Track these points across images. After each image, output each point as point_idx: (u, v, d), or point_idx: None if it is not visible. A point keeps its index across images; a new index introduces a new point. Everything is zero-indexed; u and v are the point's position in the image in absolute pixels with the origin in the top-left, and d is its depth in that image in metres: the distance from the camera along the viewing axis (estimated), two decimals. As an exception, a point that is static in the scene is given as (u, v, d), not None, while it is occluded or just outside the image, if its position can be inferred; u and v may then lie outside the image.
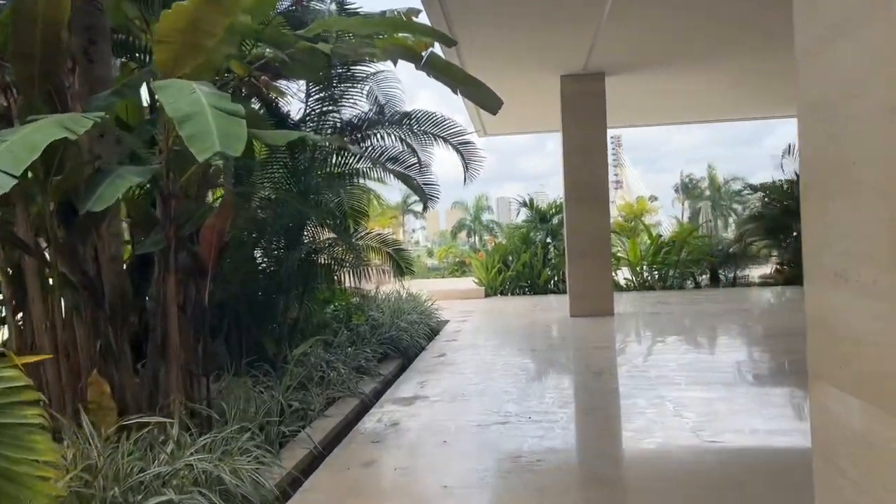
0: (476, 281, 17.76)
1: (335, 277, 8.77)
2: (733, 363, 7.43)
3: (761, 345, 8.52)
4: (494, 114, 4.94)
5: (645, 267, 17.41)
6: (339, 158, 7.65)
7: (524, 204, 18.70)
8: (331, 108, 7.15)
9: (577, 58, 10.87)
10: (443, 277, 31.78)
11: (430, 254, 51.06)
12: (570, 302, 11.86)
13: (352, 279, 8.90)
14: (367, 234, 8.83)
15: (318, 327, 8.44)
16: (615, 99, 12.25)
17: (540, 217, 18.25)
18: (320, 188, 7.48)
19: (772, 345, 8.38)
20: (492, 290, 17.06)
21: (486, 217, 48.36)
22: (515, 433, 5.05)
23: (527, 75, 11.95)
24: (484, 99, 4.88)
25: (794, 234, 16.88)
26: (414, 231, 69.94)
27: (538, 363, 7.93)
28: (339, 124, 7.45)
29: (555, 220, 17.89)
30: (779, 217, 16.82)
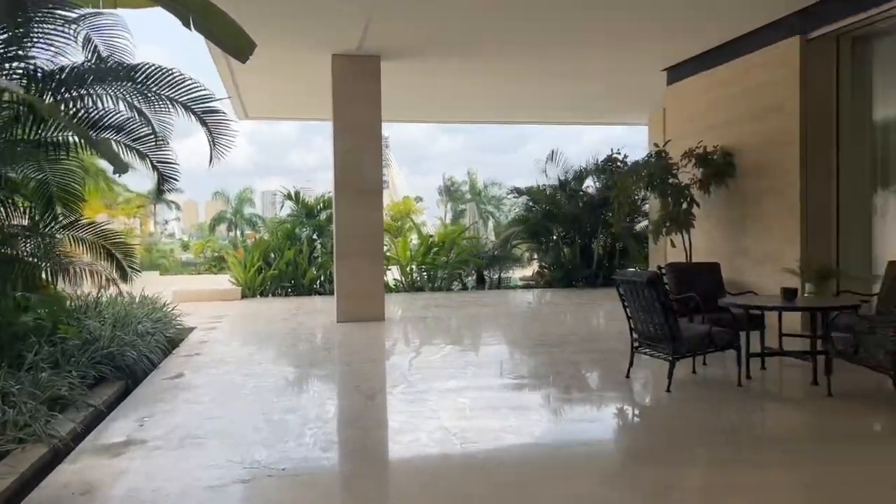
0: (233, 280, 15.91)
1: (38, 277, 6.77)
2: (522, 377, 6.79)
3: (537, 352, 8.05)
4: (243, 60, 3.67)
5: (414, 267, 16.82)
6: (37, 124, 5.73)
7: (289, 196, 17.18)
8: (16, 50, 5.25)
9: (351, 35, 9.75)
10: (199, 274, 28.99)
11: (186, 247, 47.01)
12: (337, 305, 10.70)
13: (64, 279, 6.95)
14: (77, 223, 6.88)
15: (11, 341, 6.42)
16: (388, 89, 11.33)
17: (306, 212, 16.87)
18: (6, 158, 5.53)
19: (545, 351, 7.93)
20: (250, 291, 15.35)
21: (248, 210, 45.55)
22: (263, 497, 3.78)
23: (295, 51, 10.58)
24: (227, 36, 3.57)
25: (554, 237, 17.33)
26: (167, 222, 64.35)
27: (299, 384, 6.66)
28: (34, 72, 5.54)
29: (323, 216, 16.63)
30: (541, 221, 17.14)
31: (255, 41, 4.05)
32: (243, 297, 15.09)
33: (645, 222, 16.99)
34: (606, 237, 17.09)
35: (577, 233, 17.00)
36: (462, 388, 6.10)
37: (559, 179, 17.14)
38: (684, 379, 6.09)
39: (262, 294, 15.47)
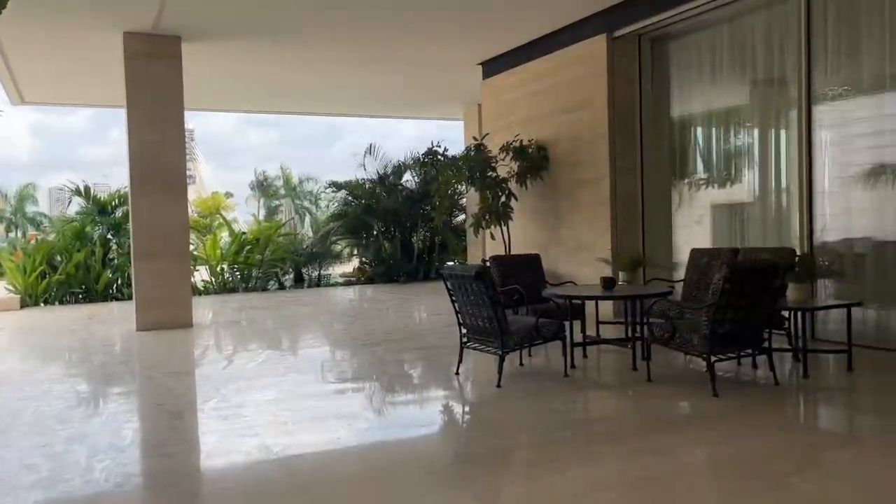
0: (10, 288, 13.92)
1: None
2: (347, 380, 6.36)
3: (362, 352, 7.67)
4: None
5: (225, 267, 15.76)
6: None
7: (77, 192, 15.36)
8: None
9: (146, 11, 8.74)
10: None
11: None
12: (137, 311, 9.61)
13: None
14: None
15: None
16: (192, 74, 10.38)
17: (99, 209, 15.19)
18: None
19: (370, 350, 7.59)
20: (32, 299, 13.51)
21: (32, 209, 40.77)
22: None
23: (79, 25, 9.32)
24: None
25: (375, 232, 17.04)
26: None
27: (89, 406, 5.77)
28: None
29: (118, 213, 15.05)
30: (361, 216, 16.78)
31: (27, 11, 3.26)
32: (23, 306, 13.24)
33: (463, 216, 17.23)
34: (426, 231, 17.10)
35: (398, 227, 16.84)
36: (283, 398, 5.58)
37: (378, 174, 16.87)
38: (512, 372, 6.01)
39: (46, 302, 13.69)
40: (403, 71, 12.60)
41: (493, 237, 10.42)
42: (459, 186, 10.86)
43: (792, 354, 6.00)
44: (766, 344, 5.34)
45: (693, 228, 9.16)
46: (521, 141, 10.16)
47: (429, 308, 11.56)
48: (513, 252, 10.46)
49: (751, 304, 5.12)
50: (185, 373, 7.02)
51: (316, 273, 17.43)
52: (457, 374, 6.09)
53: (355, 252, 18.15)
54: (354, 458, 4.15)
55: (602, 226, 9.33)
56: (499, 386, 5.55)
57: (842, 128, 7.16)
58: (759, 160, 8.16)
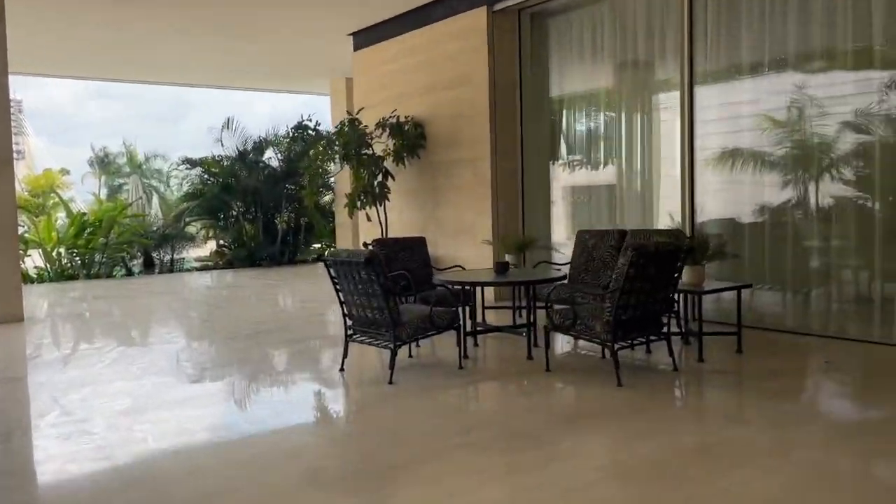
0: None
1: None
2: (215, 382, 5.61)
3: (231, 347, 6.91)
4: None
5: (63, 251, 14.10)
6: None
7: None
8: None
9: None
10: None
11: None
12: (-48, 307, 8.21)
13: None
14: None
15: None
16: (18, 32, 8.97)
17: None
18: None
19: (240, 345, 6.85)
20: None
21: None
22: None
23: None
24: None
25: (235, 213, 15.94)
26: None
27: None
28: None
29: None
30: (219, 195, 15.61)
31: None
32: None
33: (331, 196, 16.48)
34: (291, 212, 16.21)
35: (260, 208, 15.82)
36: (140, 408, 4.78)
37: (238, 150, 15.72)
38: (403, 366, 5.53)
39: None
40: (264, 39, 11.66)
41: (368, 219, 9.86)
42: (331, 164, 10.17)
43: (682, 338, 5.96)
44: (665, 329, 5.21)
45: (570, 210, 9.08)
46: (398, 117, 9.63)
47: (299, 295, 10.83)
48: (390, 235, 9.95)
49: (653, 289, 4.94)
50: (13, 379, 5.95)
51: (168, 257, 16.06)
52: (342, 370, 5.53)
53: (212, 234, 16.92)
54: (227, 479, 3.51)
55: (482, 207, 9.03)
56: (391, 382, 5.07)
57: (720, 109, 7.24)
58: (639, 142, 8.13)
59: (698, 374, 5.26)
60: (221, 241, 16.53)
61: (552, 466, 3.50)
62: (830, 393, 4.94)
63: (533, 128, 9.08)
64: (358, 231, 14.86)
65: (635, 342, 5.19)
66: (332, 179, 10.22)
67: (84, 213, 14.62)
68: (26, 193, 18.68)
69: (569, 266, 7.09)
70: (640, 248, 4.70)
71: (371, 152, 9.43)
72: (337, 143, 9.36)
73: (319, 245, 17.27)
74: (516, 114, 9.05)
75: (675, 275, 5.07)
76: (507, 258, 7.20)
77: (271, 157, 16.17)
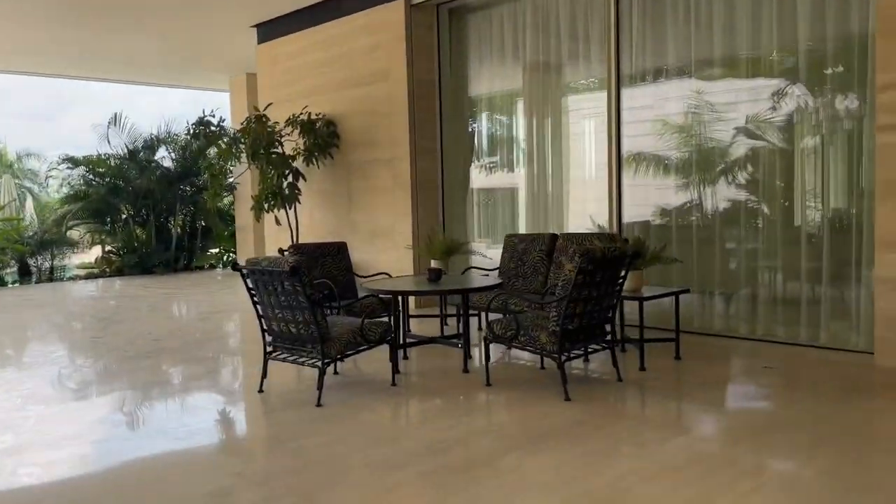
0: None
1: None
2: (115, 413, 4.91)
3: (129, 368, 6.17)
4: None
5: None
6: None
7: None
8: None
9: None
10: None
11: None
12: None
13: None
14: None
15: None
16: None
17: None
18: None
19: (140, 365, 6.13)
20: None
21: None
22: None
23: None
24: None
25: (125, 216, 14.76)
26: None
27: None
28: None
29: None
30: (106, 197, 14.39)
31: None
32: None
33: (229, 198, 15.57)
34: (186, 215, 15.18)
35: (152, 211, 14.70)
36: (25, 446, 4.06)
37: (128, 148, 14.55)
38: (329, 384, 5.02)
39: None
40: (155, 28, 10.76)
41: (278, 222, 9.22)
42: (236, 163, 9.45)
43: (619, 345, 5.77)
44: (608, 337, 4.98)
45: (490, 212, 8.82)
46: (310, 114, 9.06)
47: (199, 305, 10.02)
48: (301, 239, 9.35)
49: (599, 296, 4.70)
50: None
51: (47, 265, 14.65)
52: (261, 391, 4.98)
53: (98, 239, 15.61)
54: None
55: (401, 209, 8.61)
56: (319, 405, 4.57)
57: (643, 111, 7.16)
58: (558, 144, 7.96)
59: (643, 385, 5.06)
60: (109, 247, 15.26)
61: (517, 500, 3.14)
62: (786, 399, 4.85)
63: (452, 128, 8.76)
64: (263, 235, 14.09)
65: (579, 352, 4.92)
66: (234, 180, 9.48)
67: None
68: None
69: (497, 272, 6.80)
70: (588, 254, 4.43)
71: (281, 151, 8.82)
72: (243, 141, 8.68)
73: (217, 250, 16.30)
74: (435, 112, 8.69)
75: (620, 281, 4.85)
76: (433, 264, 6.82)
77: (164, 156, 15.09)
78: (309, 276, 4.58)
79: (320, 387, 4.61)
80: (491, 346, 4.99)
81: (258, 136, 8.51)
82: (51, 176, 14.75)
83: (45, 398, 5.15)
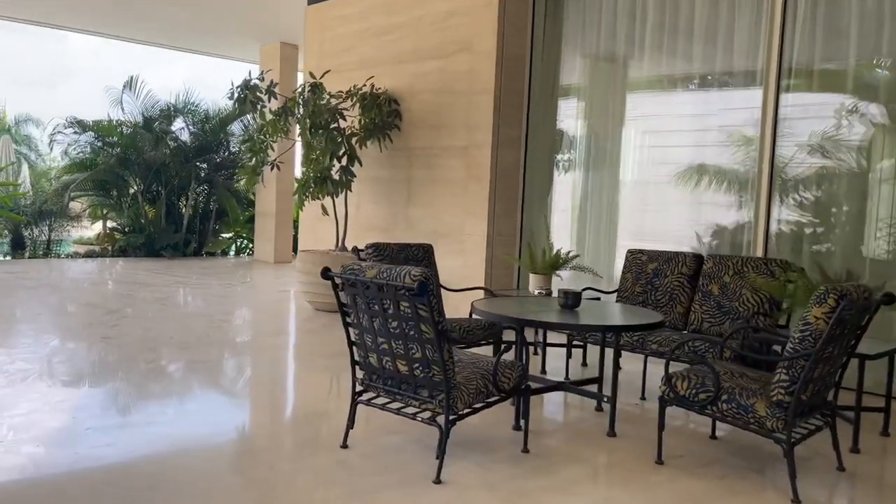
0: None
1: None
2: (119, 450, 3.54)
3: (150, 392, 4.80)
4: None
5: None
6: None
7: None
8: None
9: None
10: None
11: None
12: None
13: None
14: None
15: None
16: None
17: None
18: None
19: (159, 386, 4.76)
20: None
21: None
22: None
23: None
24: None
25: (133, 190, 13.34)
26: None
27: None
28: None
29: None
30: (114, 168, 12.96)
31: None
32: None
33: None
34: (198, 194, 13.77)
35: (164, 187, 13.28)
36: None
37: (144, 116, 13.12)
38: (429, 442, 3.65)
39: None
40: None
41: (325, 212, 7.83)
42: (279, 138, 8.03)
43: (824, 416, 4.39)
44: (830, 408, 3.63)
45: (578, 217, 7.47)
46: (373, 85, 7.69)
47: (222, 301, 8.63)
48: (349, 235, 7.99)
49: (837, 354, 3.36)
50: None
51: (44, 238, 13.22)
52: (345, 446, 3.61)
53: (101, 214, 14.18)
54: None
55: (474, 207, 7.25)
56: (438, 481, 3.21)
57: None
58: (669, 147, 6.62)
59: (879, 476, 3.71)
60: (113, 224, 13.84)
61: None
62: None
63: (540, 116, 7.40)
64: (288, 222, 12.73)
65: (804, 431, 3.51)
66: (276, 159, 8.10)
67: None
68: None
69: (616, 294, 5.45)
70: (846, 296, 3.08)
71: (342, 127, 7.43)
72: (299, 112, 7.26)
73: (230, 236, 14.90)
74: (523, 96, 7.34)
75: (860, 332, 3.51)
76: (535, 280, 5.46)
77: (181, 128, 13.66)
78: (440, 297, 3.21)
79: (441, 454, 3.24)
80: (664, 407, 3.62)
81: (318, 108, 7.11)
82: (55, 140, 13.23)
83: (48, 430, 3.76)
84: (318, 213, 8.05)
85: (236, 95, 7.29)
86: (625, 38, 6.81)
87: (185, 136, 13.61)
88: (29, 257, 12.45)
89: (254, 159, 7.82)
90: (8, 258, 12.20)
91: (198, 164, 13.44)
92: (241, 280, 10.49)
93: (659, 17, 6.50)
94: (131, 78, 13.24)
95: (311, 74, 7.55)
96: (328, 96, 7.43)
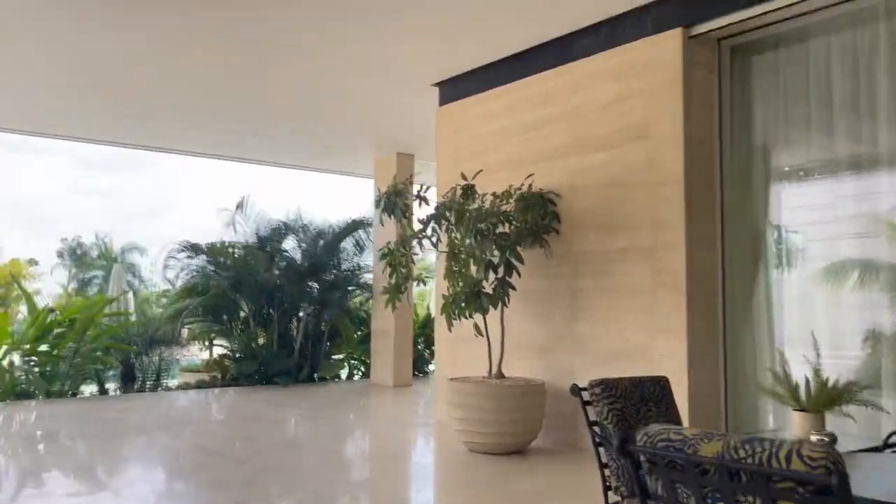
0: None
1: None
2: None
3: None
4: None
5: (16, 360, 10.63)
6: None
7: None
8: None
9: None
10: None
11: None
12: None
13: None
14: None
15: None
16: None
17: None
18: None
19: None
20: None
21: None
22: None
23: None
24: None
25: (244, 314, 12.66)
26: None
27: None
28: None
29: None
30: (227, 291, 12.36)
31: None
32: None
33: (362, 294, 13.41)
34: (310, 315, 12.96)
35: (277, 309, 12.56)
36: None
37: (258, 235, 12.62)
38: None
39: None
40: (297, 100, 8.96)
41: (479, 332, 6.66)
42: (419, 250, 7.04)
43: None
44: None
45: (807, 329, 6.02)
46: (531, 186, 6.68)
47: (363, 440, 7.46)
48: (494, 355, 6.77)
49: None
50: None
51: (153, 369, 12.53)
52: None
53: (209, 341, 13.54)
54: None
55: (665, 321, 5.93)
56: None
57: None
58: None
59: None
60: (223, 350, 13.13)
61: None
62: None
63: (738, 207, 6.15)
64: (420, 346, 11.66)
65: None
66: (422, 275, 7.09)
67: (52, 310, 11.21)
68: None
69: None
70: None
71: (508, 232, 6.38)
72: (468, 222, 6.19)
73: (341, 357, 13.92)
74: (715, 185, 6.14)
75: None
76: (798, 419, 4.02)
77: (294, 246, 13.08)
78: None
79: None
80: None
81: (478, 213, 6.10)
82: (168, 266, 12.82)
83: None
84: (457, 332, 6.87)
85: (383, 204, 6.39)
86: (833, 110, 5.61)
87: (296, 255, 13.00)
88: (138, 390, 11.75)
89: (394, 276, 6.81)
90: (119, 392, 11.51)
91: (309, 283, 12.72)
92: (370, 411, 9.38)
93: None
94: (243, 198, 12.89)
95: (463, 176, 6.59)
96: (481, 199, 6.44)
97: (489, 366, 6.77)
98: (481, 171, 6.83)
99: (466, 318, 6.57)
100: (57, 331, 10.83)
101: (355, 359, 13.95)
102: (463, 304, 6.55)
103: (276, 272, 12.57)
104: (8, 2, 6.33)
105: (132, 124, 10.50)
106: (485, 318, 6.71)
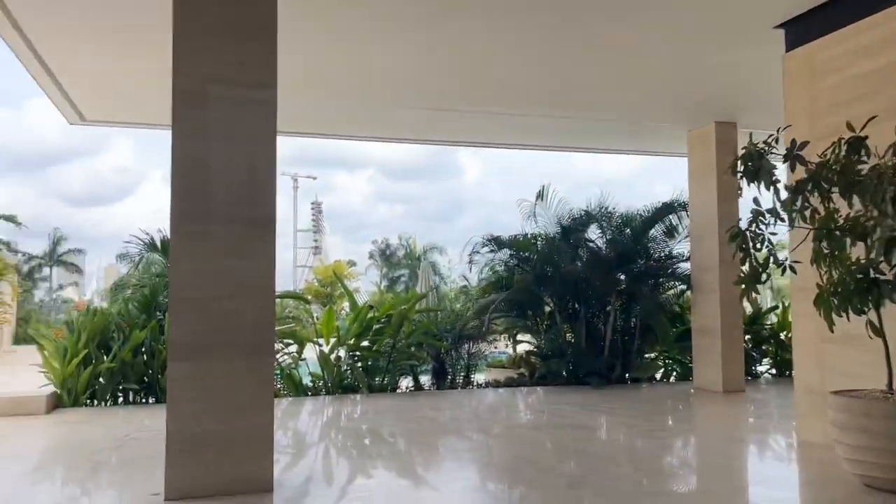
0: (49, 376, 9.82)
1: None
2: None
3: None
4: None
5: (343, 354, 11.14)
6: None
7: (152, 246, 11.33)
8: None
9: None
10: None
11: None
12: (166, 464, 4.89)
13: None
14: None
15: None
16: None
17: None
18: None
19: None
20: (69, 397, 9.34)
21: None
22: None
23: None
24: None
25: (549, 309, 12.02)
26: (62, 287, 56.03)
27: None
28: None
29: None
30: (531, 285, 11.81)
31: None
32: (56, 407, 9.08)
33: (677, 286, 12.03)
34: (620, 310, 11.89)
35: (583, 304, 11.72)
36: None
37: (561, 225, 11.92)
38: None
39: (90, 401, 9.45)
40: (610, 60, 7.90)
41: (876, 332, 5.05)
42: (775, 224, 5.60)
43: None
44: None
45: None
46: (952, 131, 4.91)
47: (735, 467, 6.25)
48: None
49: None
50: None
51: (461, 363, 12.43)
52: None
53: (513, 337, 13.14)
54: None
55: None
56: None
57: None
58: None
59: None
60: (529, 347, 12.65)
61: None
62: None
63: None
64: (748, 345, 10.07)
65: None
66: (788, 259, 5.61)
67: (371, 306, 11.60)
68: (316, 283, 16.94)
69: None
70: None
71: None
72: (832, 177, 4.78)
73: (653, 356, 12.61)
74: None
75: None
76: None
77: (599, 236, 12.14)
78: None
79: None
80: None
81: (882, 173, 4.57)
82: (473, 261, 12.66)
83: None
84: (823, 332, 5.28)
85: (742, 168, 5.11)
86: None
87: (601, 245, 12.03)
88: (449, 387, 11.70)
89: (747, 260, 5.47)
90: (431, 388, 11.57)
91: (617, 275, 11.67)
92: (710, 421, 8.08)
93: None
94: (542, 188, 12.24)
95: (850, 126, 5.03)
96: (878, 156, 4.83)
97: (889, 377, 5.11)
98: (875, 116, 5.16)
99: (859, 312, 5.00)
100: (375, 327, 11.15)
101: (670, 358, 12.57)
102: (851, 297, 5.00)
103: (579, 264, 11.74)
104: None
105: (438, 118, 10.48)
106: (879, 315, 5.08)
